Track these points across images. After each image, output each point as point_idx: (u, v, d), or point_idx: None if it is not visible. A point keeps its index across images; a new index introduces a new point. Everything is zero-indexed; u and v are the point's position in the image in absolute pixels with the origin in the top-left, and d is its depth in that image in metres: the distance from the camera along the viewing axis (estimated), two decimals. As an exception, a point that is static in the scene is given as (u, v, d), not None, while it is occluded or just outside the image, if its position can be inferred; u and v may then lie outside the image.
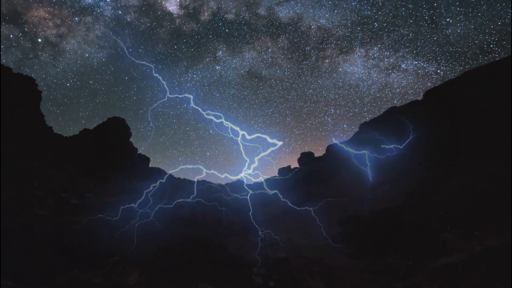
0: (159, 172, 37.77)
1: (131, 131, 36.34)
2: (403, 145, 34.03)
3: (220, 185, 13.92)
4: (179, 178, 43.52)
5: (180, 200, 11.95)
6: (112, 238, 7.33)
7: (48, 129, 27.17)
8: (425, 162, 27.96)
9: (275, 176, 55.49)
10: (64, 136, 30.92)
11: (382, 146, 37.31)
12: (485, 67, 27.73)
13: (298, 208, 35.35)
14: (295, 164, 62.63)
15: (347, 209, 21.92)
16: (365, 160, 38.34)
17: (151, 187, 14.15)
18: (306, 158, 53.86)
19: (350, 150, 44.22)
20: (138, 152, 36.68)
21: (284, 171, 54.52)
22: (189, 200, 12.24)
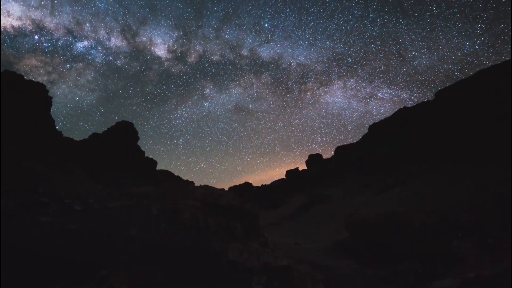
0: (167, 175, 38.25)
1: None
2: (414, 145, 33.17)
3: (223, 189, 13.90)
4: (187, 180, 43.86)
5: (182, 204, 11.87)
6: (107, 247, 7.25)
7: (58, 134, 27.93)
8: (437, 164, 27.09)
9: (283, 178, 55.19)
10: (75, 140, 31.73)
11: (392, 146, 36.51)
12: (498, 67, 26.69)
13: (305, 211, 35.01)
14: (303, 166, 62.05)
15: (355, 212, 21.39)
16: (374, 162, 37.61)
17: (154, 191, 14.22)
18: (314, 160, 53.28)
19: (359, 151, 43.53)
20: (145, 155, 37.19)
21: (292, 173, 54.12)
22: (190, 204, 12.15)
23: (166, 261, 8.01)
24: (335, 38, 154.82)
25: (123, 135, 34.28)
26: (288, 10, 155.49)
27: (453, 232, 11.47)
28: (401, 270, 12.50)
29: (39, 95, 26.27)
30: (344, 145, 49.66)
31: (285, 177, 55.03)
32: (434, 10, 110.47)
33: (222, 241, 10.98)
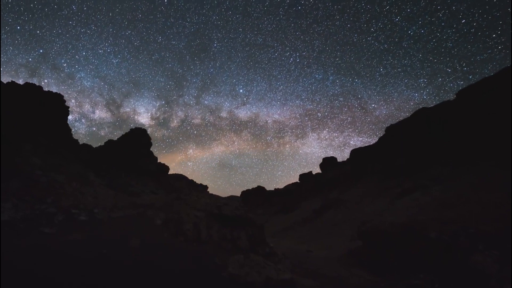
0: (179, 179, 38.75)
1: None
2: (435, 148, 31.50)
3: (228, 198, 13.64)
4: (200, 183, 44.17)
5: (184, 214, 11.76)
6: (101, 264, 7.18)
7: (75, 142, 29.05)
8: (460, 167, 25.51)
9: (296, 182, 54.29)
10: (92, 146, 32.89)
11: (411, 149, 34.90)
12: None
13: (319, 215, 34.10)
14: (317, 170, 60.76)
15: (370, 219, 20.50)
16: (392, 165, 36.06)
17: (159, 200, 14.28)
18: (328, 163, 52.03)
19: (376, 154, 42.00)
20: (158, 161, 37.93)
21: (306, 176, 53.14)
22: (193, 214, 12.02)
23: (164, 273, 7.86)
24: (303, 97, 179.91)
25: (137, 141, 35.17)
26: (259, 77, 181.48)
27: (473, 244, 10.57)
28: (416, 284, 11.68)
29: (57, 105, 27.49)
30: (360, 148, 48.07)
31: (298, 181, 54.13)
32: (381, 70, 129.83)
33: (225, 252, 10.72)
